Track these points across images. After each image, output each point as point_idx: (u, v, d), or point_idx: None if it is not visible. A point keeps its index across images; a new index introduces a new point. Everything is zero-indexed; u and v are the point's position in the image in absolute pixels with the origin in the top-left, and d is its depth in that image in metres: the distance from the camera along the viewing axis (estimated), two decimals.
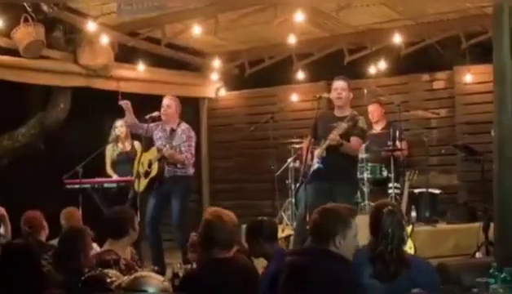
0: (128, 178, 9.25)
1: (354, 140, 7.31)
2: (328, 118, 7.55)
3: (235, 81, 11.88)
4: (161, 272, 6.15)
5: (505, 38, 5.84)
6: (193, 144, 8.42)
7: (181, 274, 5.24)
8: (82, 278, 4.84)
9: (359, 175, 8.70)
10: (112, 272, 4.93)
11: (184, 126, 8.46)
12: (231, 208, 4.97)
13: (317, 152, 7.32)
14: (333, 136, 7.09)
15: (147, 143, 8.57)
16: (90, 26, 8.77)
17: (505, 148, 5.80)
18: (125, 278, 4.74)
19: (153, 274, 4.84)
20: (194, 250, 5.45)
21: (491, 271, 4.50)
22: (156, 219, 8.29)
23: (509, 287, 4.22)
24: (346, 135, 7.20)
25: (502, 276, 4.33)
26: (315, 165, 7.30)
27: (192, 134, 8.47)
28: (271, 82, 11.60)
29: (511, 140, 5.90)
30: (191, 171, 8.41)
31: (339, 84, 7.56)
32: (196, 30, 9.27)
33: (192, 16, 9.29)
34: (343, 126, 7.11)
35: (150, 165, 8.28)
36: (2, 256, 4.19)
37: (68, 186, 9.17)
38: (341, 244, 4.01)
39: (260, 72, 11.31)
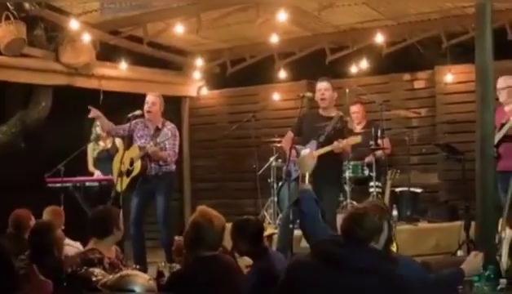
0: (110, 177, 9.23)
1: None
2: (315, 117, 7.60)
3: (216, 80, 11.88)
4: (143, 271, 6.13)
5: (488, 38, 5.89)
6: (177, 143, 8.42)
7: (166, 273, 5.23)
8: (64, 275, 4.85)
9: None
10: (97, 271, 4.93)
11: (170, 125, 8.46)
12: (212, 207, 4.98)
13: (307, 151, 7.35)
14: (341, 145, 7.17)
15: (128, 141, 8.53)
16: (73, 24, 8.71)
17: (487, 146, 5.85)
18: (111, 276, 4.75)
19: (139, 273, 4.86)
20: (179, 254, 5.44)
21: None
22: (140, 217, 8.26)
23: (493, 285, 4.27)
24: (333, 138, 7.30)
25: (486, 274, 4.37)
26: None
27: (177, 133, 8.47)
28: (253, 80, 11.61)
29: (493, 138, 5.96)
30: (173, 167, 8.41)
31: (322, 85, 7.62)
32: (179, 29, 9.27)
33: (175, 15, 9.28)
34: (355, 139, 7.29)
35: (132, 163, 8.24)
36: None
37: (50, 185, 9.15)
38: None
39: (242, 71, 11.31)
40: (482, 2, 5.88)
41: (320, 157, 7.22)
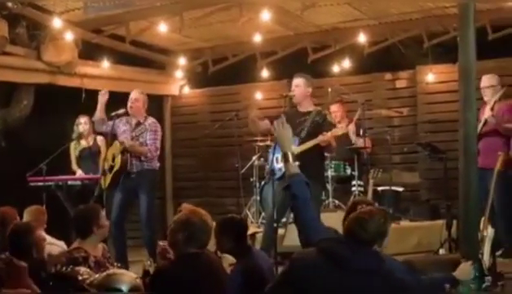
0: (92, 176, 9.22)
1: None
2: (294, 115, 7.62)
3: (198, 79, 11.87)
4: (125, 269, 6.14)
5: (471, 38, 5.94)
6: (159, 138, 8.40)
7: (151, 271, 5.22)
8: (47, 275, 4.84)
9: None
10: (83, 269, 4.93)
11: (151, 120, 8.45)
12: (195, 206, 4.97)
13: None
14: (326, 138, 7.21)
15: (111, 139, 8.51)
16: (56, 23, 8.67)
17: (470, 145, 5.90)
18: (97, 275, 4.75)
19: (126, 272, 4.86)
20: (163, 257, 5.43)
21: None
22: (121, 216, 8.20)
23: (479, 283, 4.32)
24: (313, 133, 7.30)
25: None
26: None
27: (159, 128, 8.45)
28: (235, 80, 11.62)
29: (476, 138, 6.01)
30: (157, 164, 8.40)
31: (293, 81, 7.74)
32: (162, 28, 9.25)
33: (157, 14, 9.26)
34: (340, 130, 7.31)
35: (114, 159, 8.22)
36: None
37: (32, 184, 9.11)
38: None
39: (224, 70, 11.31)
40: (465, 1, 5.92)
41: (303, 153, 7.27)
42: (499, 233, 7.52)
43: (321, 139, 7.28)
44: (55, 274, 4.86)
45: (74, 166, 9.63)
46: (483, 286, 4.66)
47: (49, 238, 6.69)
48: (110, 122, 8.33)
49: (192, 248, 4.51)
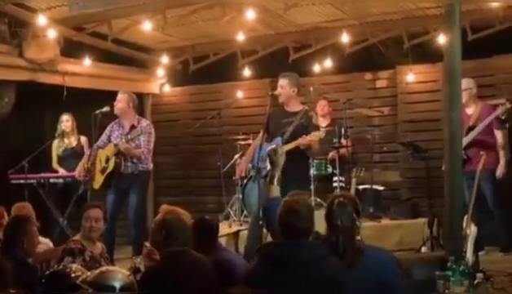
0: (74, 173, 9.20)
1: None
2: (280, 114, 7.67)
3: (179, 77, 11.86)
4: None
5: (456, 38, 6.02)
6: (152, 140, 8.48)
7: (142, 268, 5.26)
8: (46, 273, 4.84)
9: None
10: (75, 266, 4.93)
11: (145, 122, 8.57)
12: (175, 204, 5.03)
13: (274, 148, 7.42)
14: (305, 141, 7.24)
15: (97, 138, 8.53)
16: (39, 20, 8.63)
17: (454, 145, 5.99)
18: (89, 273, 4.75)
19: (118, 269, 4.85)
20: (150, 259, 5.48)
21: (449, 264, 4.67)
22: (114, 215, 8.25)
23: (471, 279, 4.40)
24: (298, 134, 7.37)
25: (461, 269, 4.50)
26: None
27: (153, 131, 8.55)
28: (216, 78, 11.63)
29: (461, 137, 6.10)
30: (150, 165, 8.49)
31: (279, 81, 7.75)
32: (144, 26, 9.24)
33: (140, 12, 9.22)
34: (318, 134, 7.30)
35: (107, 161, 8.26)
36: None
37: (14, 181, 9.08)
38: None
39: (204, 68, 11.31)
40: (451, 2, 6.01)
41: (287, 154, 7.31)
42: (497, 225, 7.76)
43: (300, 142, 7.34)
44: (47, 274, 4.86)
45: (55, 164, 9.61)
46: (475, 282, 4.75)
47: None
48: (104, 135, 8.46)
49: (174, 247, 4.58)
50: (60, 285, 4.68)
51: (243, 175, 7.74)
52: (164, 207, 5.73)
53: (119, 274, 4.63)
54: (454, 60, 5.97)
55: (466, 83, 8.30)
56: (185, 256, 4.53)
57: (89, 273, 4.70)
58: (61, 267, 4.88)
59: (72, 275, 4.71)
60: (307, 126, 7.49)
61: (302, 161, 7.67)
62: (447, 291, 4.44)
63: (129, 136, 8.16)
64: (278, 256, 3.99)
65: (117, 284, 4.53)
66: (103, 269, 4.73)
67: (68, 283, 4.67)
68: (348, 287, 3.91)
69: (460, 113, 6.12)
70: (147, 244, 5.40)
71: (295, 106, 7.66)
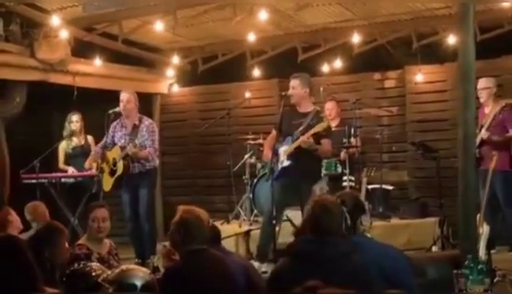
0: (85, 173, 9.24)
1: (325, 143, 7.52)
2: (292, 114, 7.71)
3: (187, 77, 11.89)
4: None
5: (470, 38, 6.05)
6: (156, 138, 8.54)
7: (161, 267, 5.30)
8: (67, 271, 4.88)
9: None
10: (95, 265, 4.99)
11: (147, 121, 8.58)
12: (183, 204, 5.05)
13: (284, 149, 7.49)
14: (305, 139, 7.28)
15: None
16: (54, 20, 8.66)
17: (469, 145, 6.02)
18: (110, 272, 4.79)
19: (139, 267, 4.91)
20: (169, 259, 5.51)
21: (466, 263, 4.70)
22: (133, 212, 8.37)
23: (491, 277, 4.45)
24: (315, 136, 7.39)
25: (479, 267, 4.54)
26: (285, 162, 7.45)
27: (156, 129, 8.61)
28: (224, 78, 11.67)
29: (474, 137, 6.14)
30: (156, 162, 8.55)
31: (291, 82, 7.78)
32: (158, 26, 9.26)
33: (151, 12, 9.27)
34: (322, 125, 7.32)
35: (115, 163, 8.31)
36: None
37: (25, 181, 9.13)
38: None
39: (213, 68, 11.34)
40: (465, 2, 6.03)
41: (298, 154, 7.38)
42: (507, 221, 7.82)
43: (302, 140, 7.38)
44: (68, 273, 4.90)
45: (61, 165, 9.62)
46: (495, 281, 4.79)
47: None
48: (107, 137, 8.48)
49: (193, 245, 4.60)
50: (81, 284, 4.73)
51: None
52: (181, 208, 5.73)
53: (140, 273, 4.70)
54: (468, 60, 5.99)
55: (486, 82, 8.39)
56: (205, 254, 4.56)
57: (109, 272, 4.76)
58: (81, 266, 4.92)
59: (93, 274, 4.78)
60: (314, 126, 7.52)
61: (315, 161, 7.70)
62: (465, 290, 4.48)
63: (136, 141, 8.20)
64: (307, 252, 4.02)
65: (139, 283, 4.59)
66: (124, 267, 4.79)
67: (89, 282, 4.72)
68: (374, 283, 3.97)
69: (473, 113, 6.14)
70: (167, 244, 5.42)
71: (307, 107, 7.70)
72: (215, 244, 5.34)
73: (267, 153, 7.75)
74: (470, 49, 6.01)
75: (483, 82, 8.36)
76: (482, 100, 8.38)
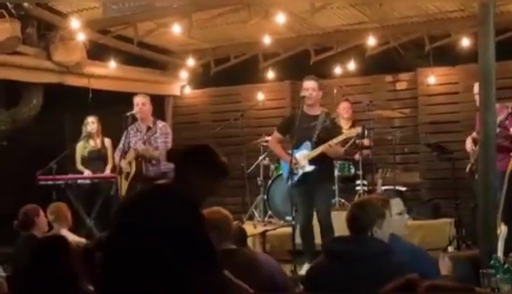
0: (101, 175, 9.31)
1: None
2: (303, 118, 7.68)
3: (200, 79, 11.96)
4: None
5: (491, 38, 6.05)
6: (170, 140, 8.56)
7: None
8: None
9: None
10: None
11: (161, 123, 8.66)
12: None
13: (303, 154, 7.55)
14: (331, 144, 7.38)
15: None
16: (70, 23, 8.75)
17: (488, 146, 6.06)
18: None
19: None
20: None
21: (492, 262, 4.75)
22: None
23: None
24: (325, 137, 7.50)
25: (506, 267, 4.59)
26: (307, 167, 7.51)
27: (169, 131, 8.65)
28: (236, 80, 11.73)
29: (494, 139, 6.17)
30: (171, 165, 8.53)
31: (310, 84, 7.76)
32: (175, 29, 9.33)
33: (167, 15, 9.36)
34: (355, 131, 7.50)
35: (130, 166, 8.38)
36: (42, 250, 4.16)
37: (42, 183, 9.19)
38: (377, 233, 4.23)
39: (225, 70, 11.41)
40: (485, 2, 6.07)
41: (322, 158, 7.48)
42: None
43: (326, 147, 7.47)
44: None
45: (79, 166, 9.71)
46: None
47: (73, 237, 6.82)
48: (122, 143, 8.50)
49: (224, 246, 4.64)
50: None
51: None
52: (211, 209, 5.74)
53: None
54: (489, 62, 6.01)
55: None
56: (238, 254, 4.61)
57: None
58: None
59: None
60: (331, 129, 7.61)
61: (328, 163, 7.75)
62: (497, 289, 4.52)
63: (145, 137, 8.27)
64: (340, 251, 4.10)
65: None
66: None
67: None
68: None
69: (494, 115, 6.18)
70: None
71: (317, 109, 7.76)
72: (242, 244, 5.43)
73: (283, 156, 7.84)
74: (490, 51, 6.03)
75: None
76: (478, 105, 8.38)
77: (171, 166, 8.50)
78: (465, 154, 9.42)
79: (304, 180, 7.53)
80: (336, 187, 9.31)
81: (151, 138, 8.36)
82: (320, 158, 7.47)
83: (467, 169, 8.24)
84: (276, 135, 7.98)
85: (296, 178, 7.50)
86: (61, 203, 7.31)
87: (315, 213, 7.55)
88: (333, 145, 7.45)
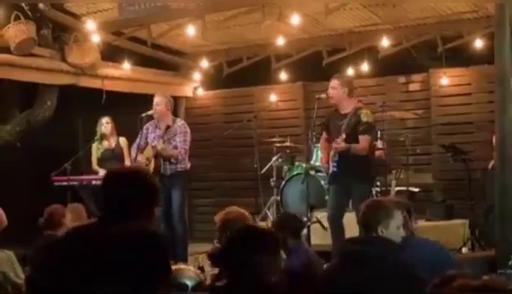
0: None
1: (362, 140, 7.60)
2: (335, 117, 7.80)
3: (212, 80, 11.99)
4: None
5: (507, 39, 6.10)
6: (188, 139, 8.62)
7: (206, 267, 5.37)
8: None
9: None
10: None
11: (180, 122, 8.71)
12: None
13: (331, 154, 7.63)
14: (336, 145, 7.41)
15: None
16: (89, 25, 8.80)
17: (505, 147, 6.09)
18: None
19: (190, 267, 5.00)
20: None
21: (510, 263, 4.79)
22: (168, 213, 8.44)
23: None
24: (353, 135, 7.50)
25: None
26: (331, 167, 7.58)
27: (188, 130, 8.67)
28: (249, 82, 11.76)
29: (511, 139, 6.20)
30: (188, 165, 8.62)
31: (330, 83, 7.87)
32: (190, 31, 9.36)
33: (181, 16, 9.39)
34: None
35: (147, 164, 8.42)
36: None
37: (56, 183, 9.23)
38: (383, 233, 4.25)
39: (238, 72, 11.44)
40: (501, 2, 6.09)
41: (343, 158, 7.51)
42: None
43: (334, 146, 7.53)
44: None
45: (95, 166, 9.76)
46: None
47: None
48: (140, 138, 8.57)
49: None
50: None
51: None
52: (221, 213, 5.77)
53: (191, 273, 4.78)
54: (505, 63, 6.06)
55: None
56: None
57: None
58: None
59: None
60: (355, 126, 7.63)
61: (365, 161, 7.76)
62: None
63: (165, 137, 8.33)
64: (352, 252, 4.14)
65: (190, 282, 4.66)
66: (176, 267, 4.86)
67: None
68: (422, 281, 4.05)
69: (510, 116, 6.21)
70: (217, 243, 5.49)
71: (347, 107, 7.79)
72: (296, 237, 5.49)
73: (324, 156, 7.94)
74: (506, 52, 6.08)
75: None
76: None
77: (188, 165, 8.60)
78: (477, 155, 9.48)
79: (333, 180, 7.67)
80: None
81: (170, 137, 8.42)
82: (345, 157, 7.51)
83: (489, 166, 8.27)
84: (323, 135, 8.09)
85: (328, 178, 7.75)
86: (78, 204, 7.34)
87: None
88: (338, 148, 7.49)
